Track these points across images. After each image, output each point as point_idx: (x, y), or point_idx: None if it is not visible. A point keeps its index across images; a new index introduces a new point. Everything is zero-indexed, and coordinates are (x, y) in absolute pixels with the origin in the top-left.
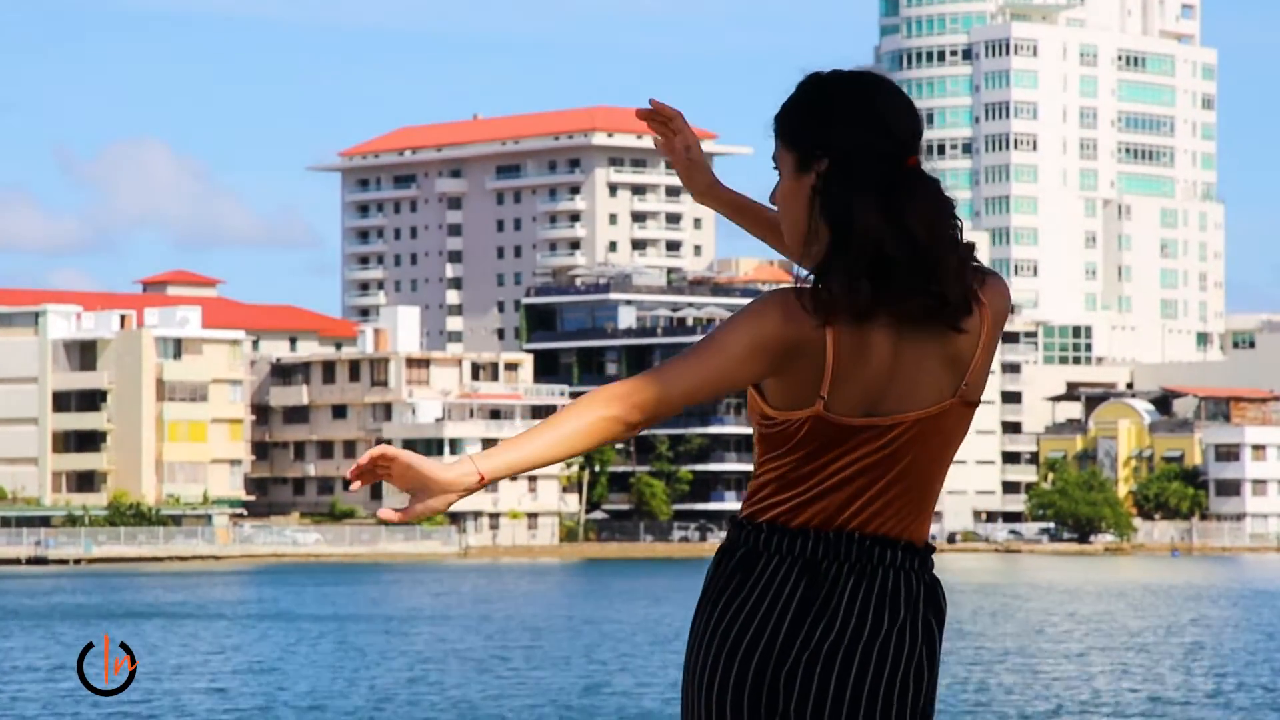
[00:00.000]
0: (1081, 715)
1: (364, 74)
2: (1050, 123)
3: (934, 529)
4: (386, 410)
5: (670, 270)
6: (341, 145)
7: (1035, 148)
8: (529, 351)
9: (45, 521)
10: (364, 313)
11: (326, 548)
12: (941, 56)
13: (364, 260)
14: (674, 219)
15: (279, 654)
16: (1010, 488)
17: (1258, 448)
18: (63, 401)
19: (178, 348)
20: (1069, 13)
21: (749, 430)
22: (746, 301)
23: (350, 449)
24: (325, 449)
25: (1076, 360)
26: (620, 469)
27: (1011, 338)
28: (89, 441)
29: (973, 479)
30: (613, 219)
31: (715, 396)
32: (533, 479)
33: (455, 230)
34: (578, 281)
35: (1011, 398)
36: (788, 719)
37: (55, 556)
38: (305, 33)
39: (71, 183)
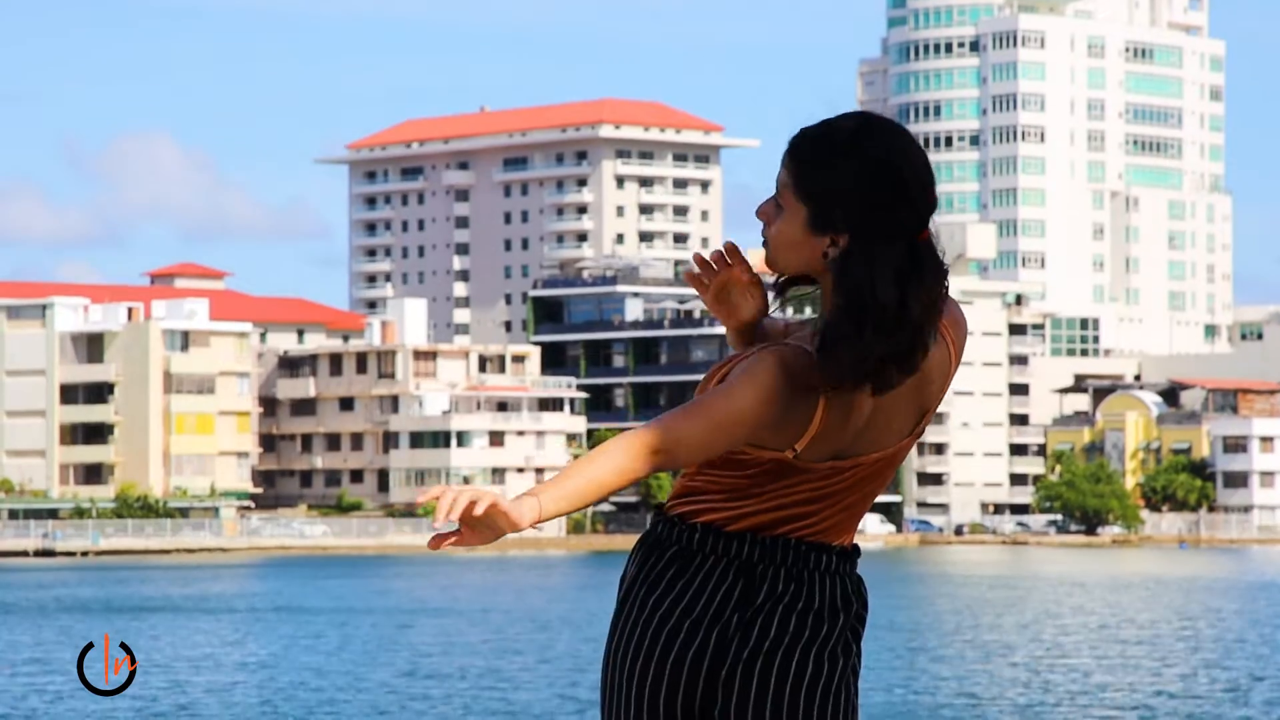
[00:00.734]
0: (1094, 708)
1: (371, 66)
2: (1058, 115)
3: (941, 520)
4: (393, 402)
5: (677, 262)
6: (349, 137)
7: (1043, 140)
8: (536, 344)
9: (53, 514)
10: (371, 305)
11: (333, 540)
12: (949, 48)
13: (371, 253)
14: (681, 211)
15: (285, 648)
16: (1017, 480)
17: (1265, 439)
18: (70, 394)
19: (185, 340)
20: (1076, 4)
21: None
22: None
23: (357, 441)
24: (332, 441)
25: (1084, 352)
26: None
27: (1019, 330)
28: (96, 434)
29: (980, 471)
30: (620, 211)
31: (715, 454)
32: (539, 471)
33: (462, 222)
34: (585, 274)
35: (1019, 390)
36: (726, 717)
37: (63, 549)
38: (312, 25)
39: (79, 175)
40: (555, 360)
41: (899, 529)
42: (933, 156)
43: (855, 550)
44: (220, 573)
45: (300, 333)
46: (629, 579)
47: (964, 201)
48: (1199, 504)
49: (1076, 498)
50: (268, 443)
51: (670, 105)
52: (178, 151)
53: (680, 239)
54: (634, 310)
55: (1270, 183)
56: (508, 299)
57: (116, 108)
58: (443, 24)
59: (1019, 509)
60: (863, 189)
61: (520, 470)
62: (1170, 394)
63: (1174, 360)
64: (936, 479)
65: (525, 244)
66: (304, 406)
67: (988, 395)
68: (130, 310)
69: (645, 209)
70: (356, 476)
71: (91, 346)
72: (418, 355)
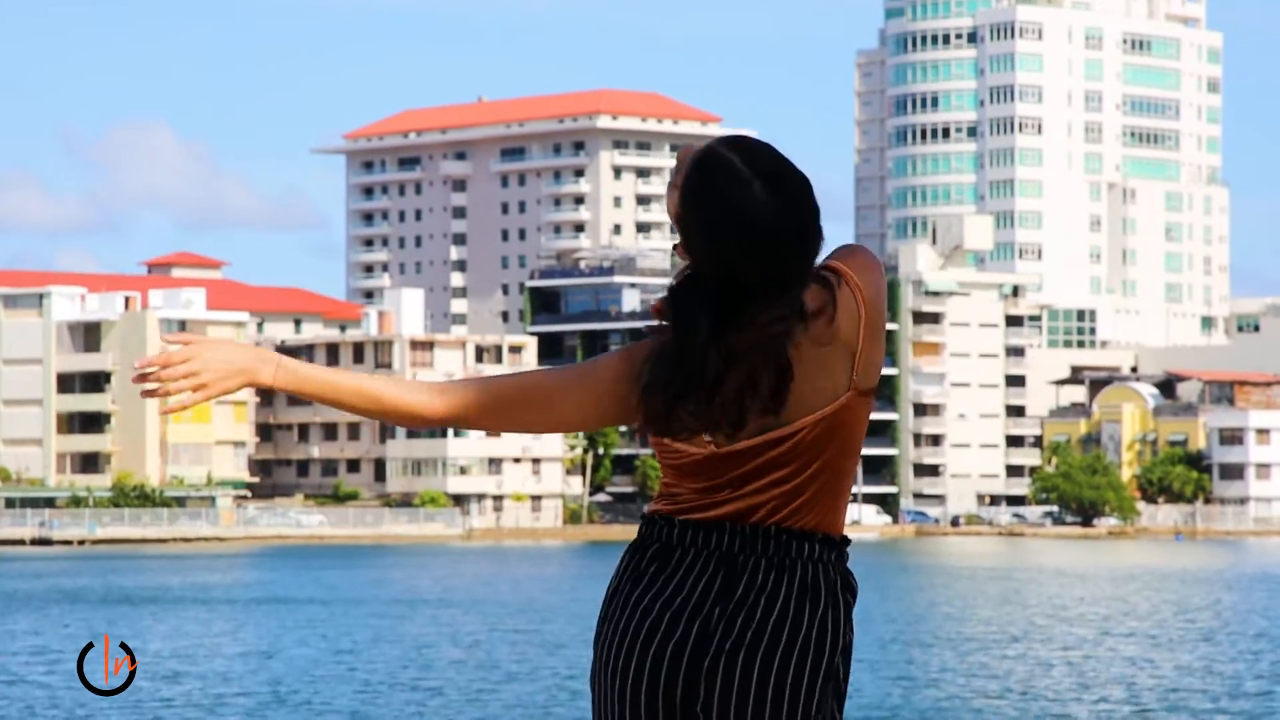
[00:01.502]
0: (1095, 704)
1: (369, 56)
2: (1055, 106)
3: (937, 512)
4: None
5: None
6: (346, 127)
7: (1040, 131)
8: (533, 334)
9: (49, 503)
10: (368, 295)
11: (330, 529)
12: (946, 40)
13: (368, 243)
14: None
15: (280, 638)
16: (1014, 471)
17: (1262, 432)
18: (67, 383)
19: (182, 329)
20: None
21: None
22: None
23: (354, 431)
24: (329, 431)
25: (1080, 344)
26: (624, 451)
27: (1015, 321)
28: (93, 423)
29: (976, 462)
30: (617, 202)
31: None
32: (536, 461)
33: (460, 213)
34: (582, 264)
35: (1015, 381)
36: (710, 709)
37: (59, 538)
38: (310, 15)
39: (76, 164)
40: (552, 350)
41: (895, 520)
42: (930, 148)
43: (843, 540)
44: (217, 562)
45: (297, 322)
46: (614, 576)
47: (961, 193)
48: (1195, 496)
49: (1073, 489)
50: (264, 432)
51: (668, 96)
52: (175, 141)
53: None
54: (631, 301)
55: (1268, 175)
56: (505, 289)
57: (114, 97)
58: (440, 14)
59: (1015, 500)
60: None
61: (516, 460)
62: (1167, 386)
63: (1171, 352)
64: (933, 470)
65: (522, 234)
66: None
67: (984, 387)
68: (127, 300)
69: (642, 199)
70: (353, 466)
71: (88, 336)
72: (415, 345)
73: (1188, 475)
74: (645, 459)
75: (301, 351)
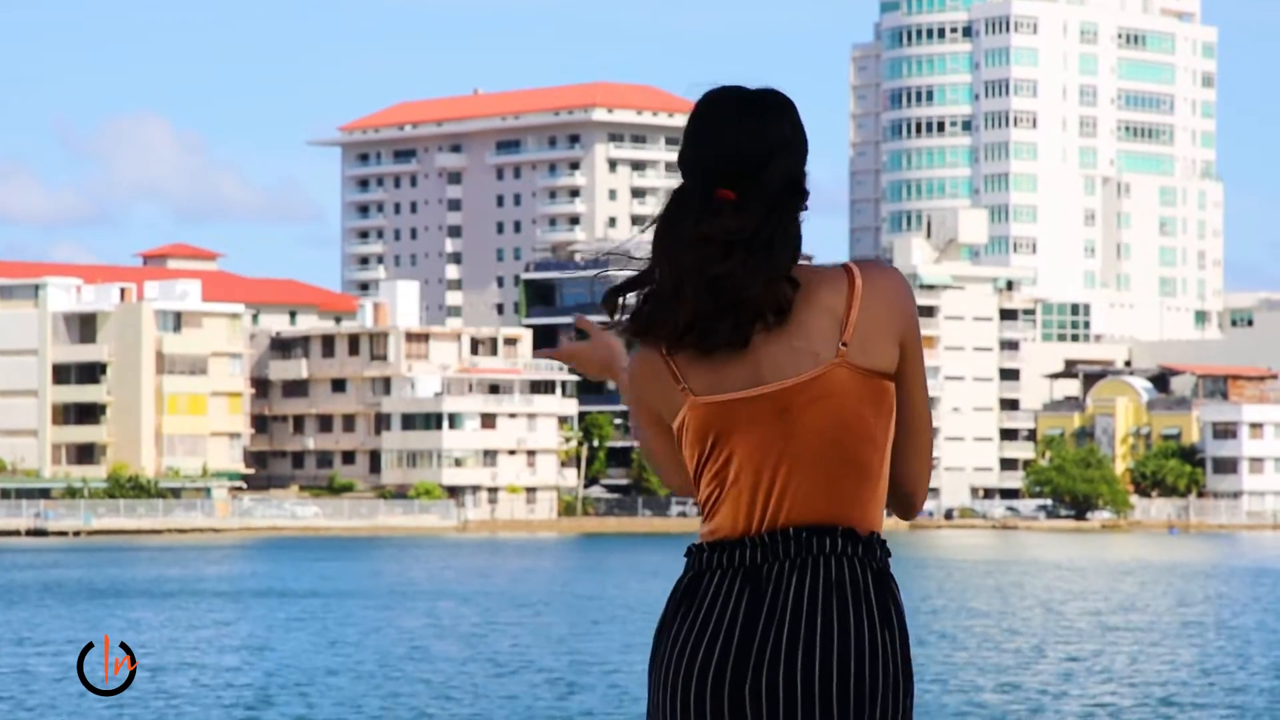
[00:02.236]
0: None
1: (364, 48)
2: (1050, 100)
3: (931, 505)
4: (385, 384)
5: None
6: (341, 120)
7: (1035, 125)
8: (528, 326)
9: (45, 493)
10: (363, 287)
11: (325, 521)
12: (942, 33)
13: (364, 234)
14: None
15: (274, 631)
16: (1008, 464)
17: (1255, 426)
18: (62, 374)
19: (177, 321)
20: None
21: None
22: None
23: (349, 423)
24: (324, 423)
25: (1075, 338)
26: (618, 444)
27: (1010, 315)
28: (89, 414)
29: (970, 455)
30: (612, 194)
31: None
32: (531, 453)
33: (455, 205)
34: (577, 257)
35: (1009, 374)
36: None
37: (54, 528)
38: (306, 7)
39: (71, 156)
40: (547, 343)
41: (888, 514)
42: (925, 141)
43: (873, 536)
44: (212, 554)
45: (292, 314)
46: (659, 618)
47: (956, 187)
48: (1188, 489)
49: (1066, 482)
50: (260, 424)
51: (663, 89)
52: (170, 133)
53: None
54: None
55: (1261, 169)
56: (500, 281)
57: (109, 89)
58: (436, 7)
59: (1009, 494)
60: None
61: (512, 453)
62: (1160, 380)
63: (1164, 346)
64: None
65: (518, 227)
66: (296, 388)
67: (978, 380)
68: (123, 291)
69: (638, 192)
70: (348, 458)
71: (84, 327)
72: (410, 337)
73: (1181, 469)
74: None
75: (296, 343)
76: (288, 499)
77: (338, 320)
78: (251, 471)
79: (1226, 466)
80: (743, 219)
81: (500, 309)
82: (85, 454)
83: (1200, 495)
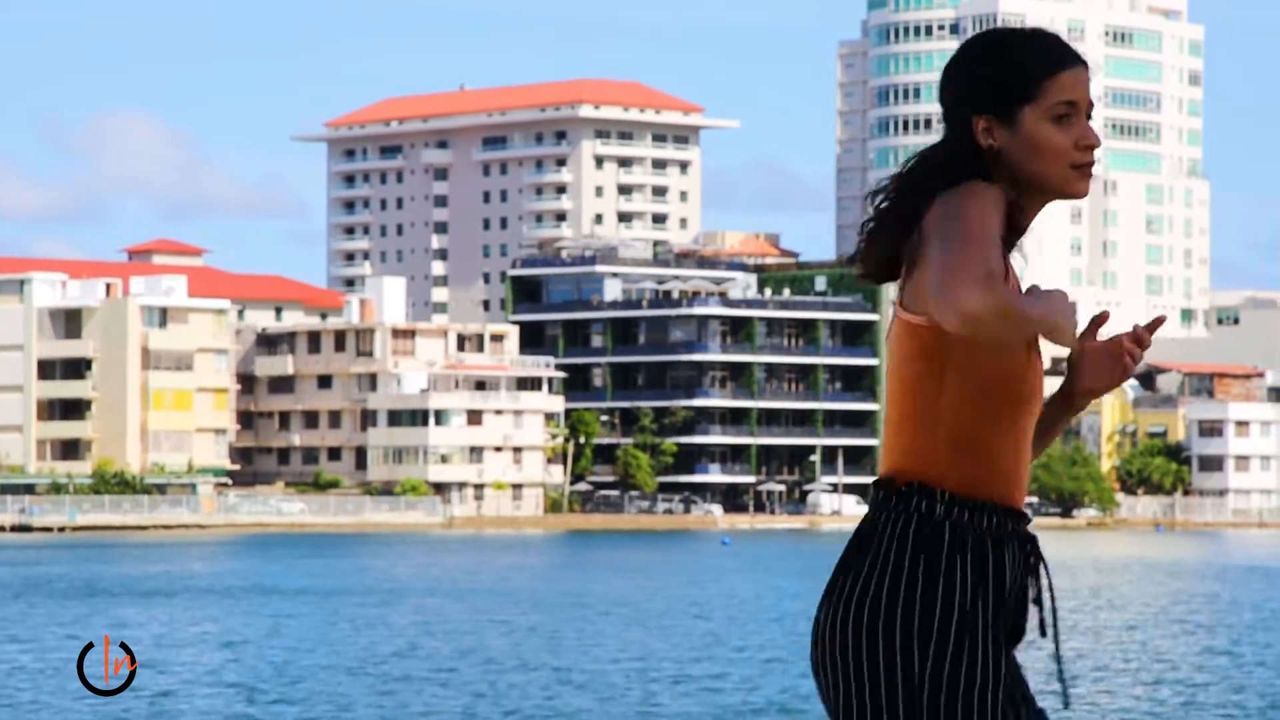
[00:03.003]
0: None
1: (350, 44)
2: None
3: None
4: (372, 381)
5: (656, 243)
6: (327, 115)
7: None
8: (514, 323)
9: (29, 489)
10: (350, 283)
11: (311, 517)
12: (929, 31)
13: (350, 231)
14: (660, 192)
15: (259, 627)
16: None
17: (1241, 424)
18: (48, 369)
19: (163, 316)
20: None
21: (733, 403)
22: (732, 274)
23: (335, 419)
24: (310, 419)
25: None
26: (605, 441)
27: None
28: (74, 409)
29: None
30: (599, 191)
31: None
32: (517, 450)
33: (441, 201)
34: (563, 254)
35: None
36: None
37: (39, 524)
38: (292, 3)
39: (57, 151)
40: (533, 340)
41: None
42: (912, 139)
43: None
44: (197, 550)
45: (278, 310)
46: (879, 565)
47: None
48: (1174, 487)
49: (1052, 480)
50: (246, 420)
51: (650, 85)
52: (156, 128)
53: (659, 219)
54: (612, 290)
55: (1248, 168)
56: (486, 278)
57: (95, 84)
58: (422, 3)
59: None
60: None
61: (498, 449)
62: (1147, 378)
63: (1150, 344)
64: None
65: (504, 223)
66: (282, 384)
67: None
68: (108, 286)
69: (624, 189)
70: (334, 454)
71: (69, 322)
72: (396, 334)
73: (1167, 467)
74: (626, 449)
75: (282, 339)
76: (273, 495)
77: (324, 316)
78: (237, 468)
79: (1212, 465)
80: None
81: (486, 305)
82: (70, 450)
83: (1186, 493)
